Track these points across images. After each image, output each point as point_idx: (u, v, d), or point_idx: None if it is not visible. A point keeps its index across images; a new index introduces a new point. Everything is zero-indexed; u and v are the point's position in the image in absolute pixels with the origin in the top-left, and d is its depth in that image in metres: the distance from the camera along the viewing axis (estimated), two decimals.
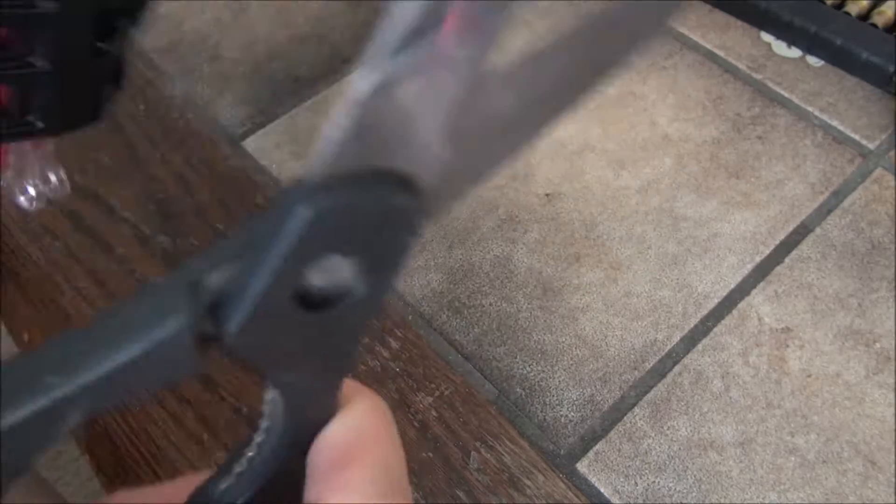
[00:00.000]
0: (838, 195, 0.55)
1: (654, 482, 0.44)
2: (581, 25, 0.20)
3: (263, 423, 0.21)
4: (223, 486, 0.22)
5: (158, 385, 0.18)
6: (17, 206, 0.44)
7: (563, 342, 0.49)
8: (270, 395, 0.21)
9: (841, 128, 0.59)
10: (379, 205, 0.18)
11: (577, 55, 0.20)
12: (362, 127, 0.17)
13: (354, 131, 0.17)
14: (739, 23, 0.65)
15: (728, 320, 0.50)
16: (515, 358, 0.49)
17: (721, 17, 0.66)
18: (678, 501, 0.44)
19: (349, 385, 0.22)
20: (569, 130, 0.59)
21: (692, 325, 0.50)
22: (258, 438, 0.21)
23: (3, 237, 0.53)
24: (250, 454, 0.22)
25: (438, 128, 0.18)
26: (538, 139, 0.21)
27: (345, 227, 0.18)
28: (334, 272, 0.18)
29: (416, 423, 0.45)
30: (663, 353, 0.49)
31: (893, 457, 0.45)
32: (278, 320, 0.18)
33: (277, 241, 0.17)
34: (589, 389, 0.48)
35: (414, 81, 0.17)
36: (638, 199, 0.55)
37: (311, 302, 0.18)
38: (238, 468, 0.22)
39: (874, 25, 0.60)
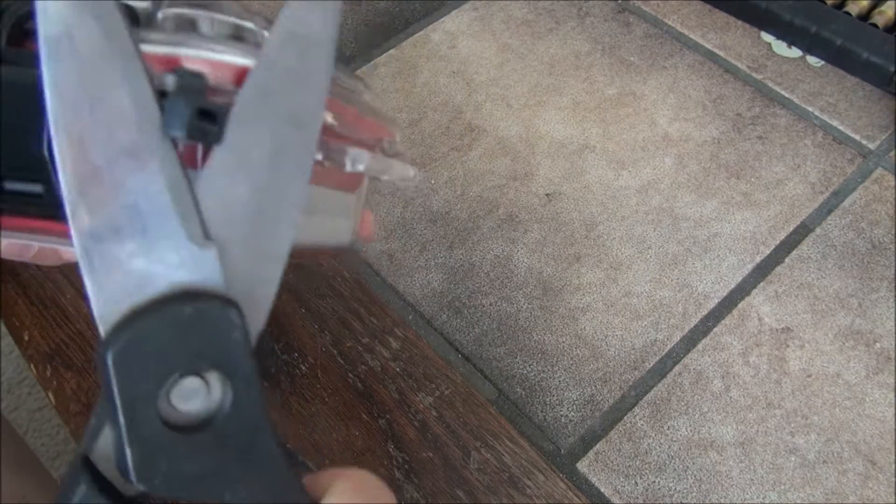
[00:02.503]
0: (838, 195, 0.55)
1: (654, 482, 0.44)
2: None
3: None
4: None
5: None
6: None
7: (563, 342, 0.49)
8: None
9: (841, 128, 0.59)
10: (176, 322, 0.20)
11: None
12: (107, 271, 0.20)
13: (104, 280, 0.20)
14: (739, 23, 0.65)
15: (728, 320, 0.50)
16: (515, 358, 0.49)
17: (721, 17, 0.66)
18: (678, 501, 0.44)
19: (327, 474, 0.23)
20: (569, 130, 0.59)
21: (692, 325, 0.50)
22: None
23: None
24: None
25: (187, 238, 0.20)
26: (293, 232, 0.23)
27: (161, 353, 0.20)
28: (200, 393, 0.20)
29: (416, 423, 0.45)
30: (663, 353, 0.49)
31: (893, 457, 0.45)
32: (171, 452, 0.20)
33: (110, 393, 0.19)
34: (589, 389, 0.48)
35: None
36: (638, 199, 0.55)
37: (198, 424, 0.20)
38: None
39: (874, 25, 0.60)
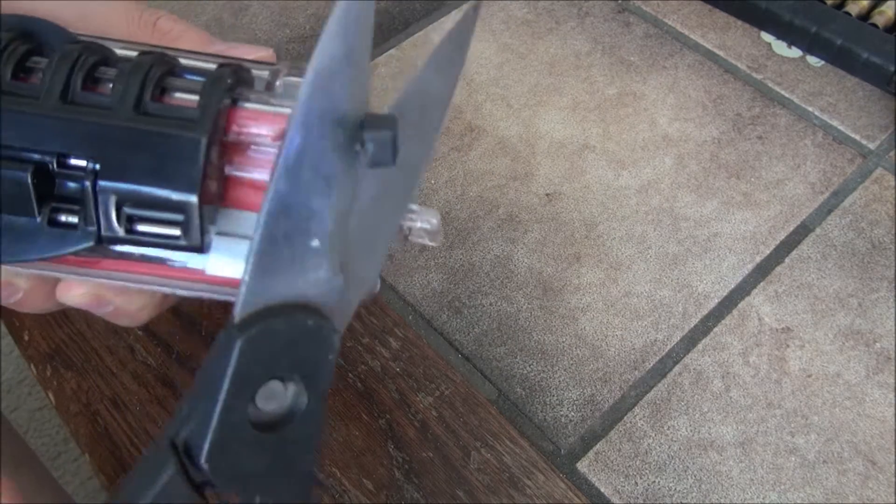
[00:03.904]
0: (838, 195, 0.55)
1: (654, 482, 0.44)
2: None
3: None
4: None
5: None
6: None
7: (563, 342, 0.49)
8: None
9: (841, 128, 0.59)
10: (297, 329, 0.22)
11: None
12: (267, 272, 0.21)
13: (262, 276, 0.21)
14: (739, 23, 0.65)
15: (728, 320, 0.50)
16: (515, 358, 0.49)
17: (721, 17, 0.66)
18: (678, 501, 0.44)
19: None
20: (569, 130, 0.59)
21: (692, 325, 0.50)
22: None
23: None
24: None
25: (330, 264, 0.23)
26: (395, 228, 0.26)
27: (275, 353, 0.22)
28: (279, 396, 0.22)
29: (416, 423, 0.45)
30: (663, 353, 0.49)
31: (893, 457, 0.45)
32: (241, 444, 0.21)
33: (223, 374, 0.21)
34: (589, 389, 0.48)
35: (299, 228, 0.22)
36: (638, 199, 0.55)
37: (266, 425, 0.22)
38: None
39: (874, 25, 0.60)
